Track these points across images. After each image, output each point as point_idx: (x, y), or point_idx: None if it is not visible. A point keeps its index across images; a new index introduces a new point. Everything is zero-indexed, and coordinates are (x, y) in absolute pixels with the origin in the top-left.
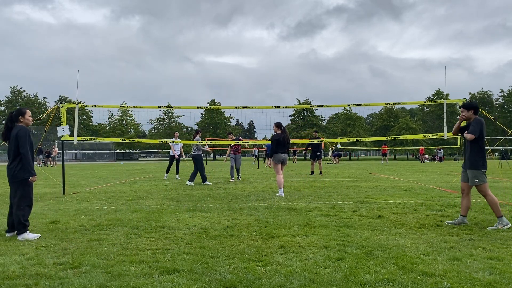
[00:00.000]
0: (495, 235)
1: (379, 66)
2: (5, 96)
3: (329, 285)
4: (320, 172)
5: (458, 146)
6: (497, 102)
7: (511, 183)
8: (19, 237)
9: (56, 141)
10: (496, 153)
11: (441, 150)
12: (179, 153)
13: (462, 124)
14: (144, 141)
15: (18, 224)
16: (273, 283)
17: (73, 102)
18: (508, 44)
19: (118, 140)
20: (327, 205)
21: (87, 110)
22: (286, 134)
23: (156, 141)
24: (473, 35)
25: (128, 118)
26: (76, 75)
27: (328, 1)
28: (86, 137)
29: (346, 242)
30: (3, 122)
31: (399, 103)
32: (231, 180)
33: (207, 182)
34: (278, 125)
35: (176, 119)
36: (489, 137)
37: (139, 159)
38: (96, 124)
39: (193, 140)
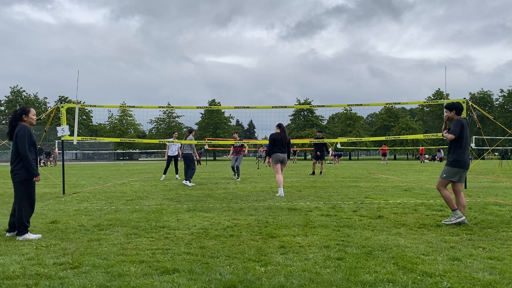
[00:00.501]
0: (495, 235)
1: (378, 66)
2: (5, 96)
3: (329, 285)
4: (321, 172)
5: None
6: (497, 102)
7: (511, 183)
8: (20, 238)
9: (56, 141)
10: (496, 153)
11: (441, 151)
12: (176, 153)
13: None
14: (144, 141)
15: (19, 224)
16: (273, 283)
17: (73, 102)
18: (507, 44)
19: (118, 140)
20: (327, 205)
21: (87, 110)
22: (285, 133)
23: (156, 141)
24: (472, 35)
25: (128, 118)
26: (76, 75)
27: (327, 1)
28: (86, 137)
29: (346, 242)
30: (3, 122)
31: (399, 103)
32: (234, 178)
33: (187, 182)
34: (278, 125)
35: (176, 119)
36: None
37: (139, 159)
38: (96, 124)
39: (185, 139)
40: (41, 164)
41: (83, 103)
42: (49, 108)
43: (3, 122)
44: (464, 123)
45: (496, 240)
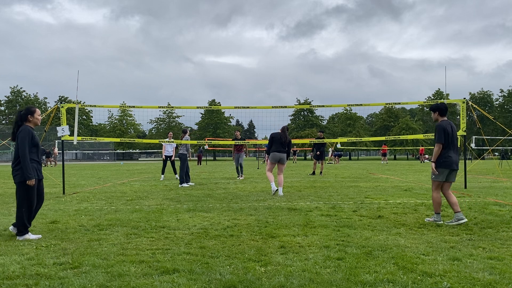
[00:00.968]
0: (495, 235)
1: (378, 66)
2: (5, 96)
3: (329, 285)
4: (321, 172)
5: (458, 146)
6: (497, 102)
7: (511, 183)
8: (20, 238)
9: (56, 141)
10: (496, 153)
11: None
12: (171, 154)
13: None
14: (144, 141)
15: (19, 225)
16: (273, 283)
17: (73, 102)
18: (507, 44)
19: (118, 140)
20: (327, 205)
21: (87, 110)
22: (285, 134)
23: (156, 141)
24: (472, 35)
25: (128, 118)
26: (76, 75)
27: (327, 1)
28: (86, 137)
29: (346, 242)
30: (3, 122)
31: (399, 103)
32: (238, 178)
33: (183, 184)
34: (281, 127)
35: (176, 119)
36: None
37: (139, 159)
38: (96, 124)
39: (181, 140)
40: (42, 164)
41: (83, 103)
42: (49, 108)
43: (3, 122)
44: (444, 126)
45: (496, 240)
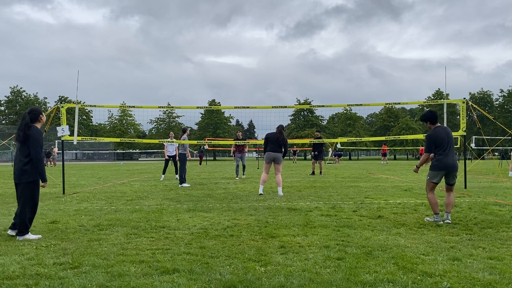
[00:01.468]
0: (495, 235)
1: (378, 66)
2: (5, 96)
3: (329, 285)
4: (320, 172)
5: (458, 146)
6: (497, 102)
7: (511, 183)
8: (20, 238)
9: (56, 141)
10: (496, 153)
11: None
12: (173, 154)
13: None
14: (144, 141)
15: (20, 225)
16: (273, 283)
17: (73, 102)
18: (507, 44)
19: (118, 140)
20: (327, 205)
21: (87, 110)
22: (281, 134)
23: (156, 141)
24: (472, 35)
25: (128, 118)
26: (76, 75)
27: (327, 1)
28: (86, 137)
29: (346, 242)
30: (3, 122)
31: (399, 103)
32: (236, 178)
33: (184, 184)
34: (278, 126)
35: (176, 119)
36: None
37: (139, 159)
38: (96, 124)
39: (180, 139)
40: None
41: (83, 103)
42: (49, 108)
43: (3, 122)
44: (433, 136)
45: (496, 240)
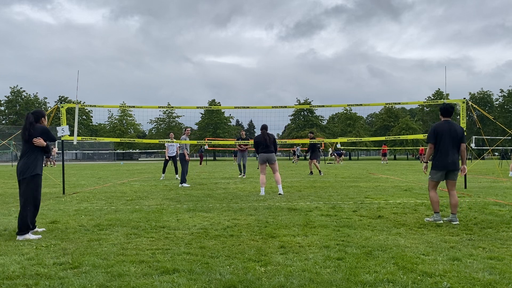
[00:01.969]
0: (495, 235)
1: (378, 66)
2: (5, 96)
3: (329, 285)
4: (320, 172)
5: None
6: (497, 102)
7: (511, 183)
8: (20, 237)
9: (56, 141)
10: (496, 153)
11: None
12: (174, 154)
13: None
14: (144, 141)
15: (21, 224)
16: (273, 283)
17: (73, 102)
18: (507, 44)
19: (118, 140)
20: (327, 205)
21: (87, 110)
22: (265, 135)
23: (156, 141)
24: (472, 35)
25: (128, 118)
26: (76, 75)
27: (326, 1)
28: (86, 137)
29: (346, 242)
30: (3, 122)
31: (399, 103)
32: (239, 176)
33: (184, 184)
34: (261, 127)
35: (176, 119)
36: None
37: (139, 159)
38: (96, 124)
39: (180, 139)
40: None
41: (83, 103)
42: (49, 108)
43: (3, 122)
44: (436, 128)
45: (496, 240)
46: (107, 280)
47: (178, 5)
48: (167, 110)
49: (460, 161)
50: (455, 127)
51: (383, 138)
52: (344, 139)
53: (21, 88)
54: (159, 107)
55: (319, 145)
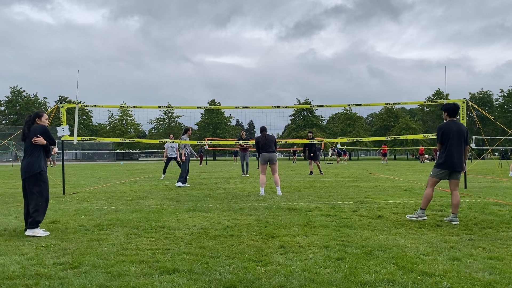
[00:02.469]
0: (495, 235)
1: (378, 66)
2: (5, 96)
3: (329, 285)
4: (320, 171)
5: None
6: (497, 102)
7: (511, 183)
8: (29, 232)
9: (56, 141)
10: (496, 153)
11: None
12: (175, 156)
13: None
14: (144, 141)
15: (32, 219)
16: (273, 283)
17: (73, 102)
18: (507, 44)
19: (118, 140)
20: (327, 205)
21: (87, 110)
22: (265, 137)
23: (156, 141)
24: (471, 35)
25: (128, 118)
26: (76, 75)
27: (326, 1)
28: (86, 137)
29: (346, 242)
30: (3, 122)
31: (399, 103)
32: (242, 175)
33: (183, 184)
34: (260, 128)
35: (176, 119)
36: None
37: (139, 159)
38: (96, 124)
39: (180, 139)
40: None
41: (83, 103)
42: (49, 108)
43: (3, 122)
44: (443, 128)
45: (496, 240)
46: (107, 280)
47: (178, 5)
48: (167, 110)
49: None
50: (462, 127)
51: (383, 138)
52: (344, 139)
53: (21, 88)
54: (159, 107)
55: (319, 146)
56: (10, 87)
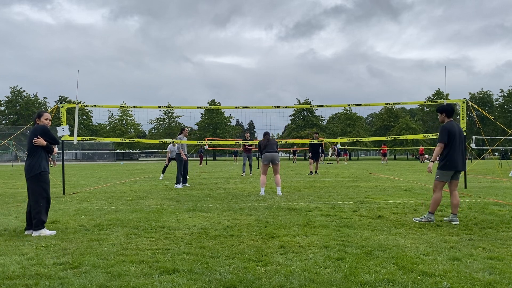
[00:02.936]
0: (495, 235)
1: (377, 66)
2: (5, 96)
3: (329, 285)
4: (316, 171)
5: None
6: (497, 102)
7: (511, 183)
8: (36, 233)
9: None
10: (496, 153)
11: None
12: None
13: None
14: (144, 141)
15: (36, 220)
16: (273, 283)
17: (73, 102)
18: (506, 45)
19: (118, 140)
20: (327, 205)
21: (87, 110)
22: (267, 139)
23: (156, 141)
24: (471, 35)
25: (128, 118)
26: (76, 75)
27: (326, 1)
28: (86, 137)
29: (346, 242)
30: (3, 122)
31: (399, 103)
32: (242, 175)
33: (179, 185)
34: (263, 133)
35: (176, 119)
36: (489, 137)
37: (139, 159)
38: (96, 124)
39: (175, 139)
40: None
41: (83, 103)
42: (49, 108)
43: (3, 122)
44: (448, 128)
45: (496, 240)
46: (107, 280)
47: (177, 5)
48: (167, 110)
49: None
50: (460, 128)
51: (383, 138)
52: (344, 139)
53: (21, 88)
54: (159, 107)
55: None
56: (10, 87)
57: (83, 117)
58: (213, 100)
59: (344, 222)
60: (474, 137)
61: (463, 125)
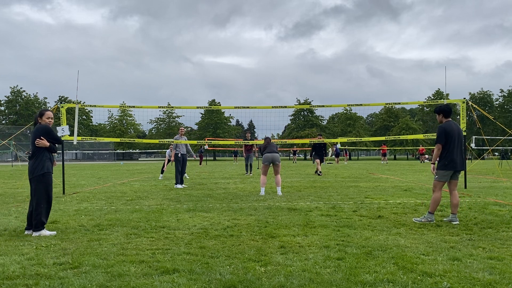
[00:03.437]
0: (495, 235)
1: (377, 66)
2: (5, 96)
3: (329, 285)
4: (316, 171)
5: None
6: (497, 102)
7: (511, 183)
8: (36, 234)
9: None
10: (496, 153)
11: None
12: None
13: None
14: (144, 141)
15: (37, 221)
16: (273, 283)
17: (73, 102)
18: (506, 45)
19: (118, 140)
20: (327, 205)
21: (87, 110)
22: (268, 142)
23: (156, 141)
24: (471, 35)
25: (128, 118)
26: (76, 75)
27: (326, 1)
28: (86, 137)
29: (346, 242)
30: (3, 122)
31: (399, 103)
32: (245, 174)
33: (179, 185)
34: (265, 139)
35: (176, 119)
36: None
37: (139, 159)
38: (96, 124)
39: (173, 139)
40: None
41: (83, 103)
42: (49, 108)
43: (3, 122)
44: (446, 128)
45: (496, 240)
46: (107, 280)
47: (177, 5)
48: (167, 110)
49: None
50: (459, 128)
51: (383, 138)
52: (344, 139)
53: (21, 88)
54: (159, 107)
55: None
56: (10, 87)
57: (83, 117)
58: (213, 100)
59: (344, 222)
60: (474, 137)
61: (463, 125)
